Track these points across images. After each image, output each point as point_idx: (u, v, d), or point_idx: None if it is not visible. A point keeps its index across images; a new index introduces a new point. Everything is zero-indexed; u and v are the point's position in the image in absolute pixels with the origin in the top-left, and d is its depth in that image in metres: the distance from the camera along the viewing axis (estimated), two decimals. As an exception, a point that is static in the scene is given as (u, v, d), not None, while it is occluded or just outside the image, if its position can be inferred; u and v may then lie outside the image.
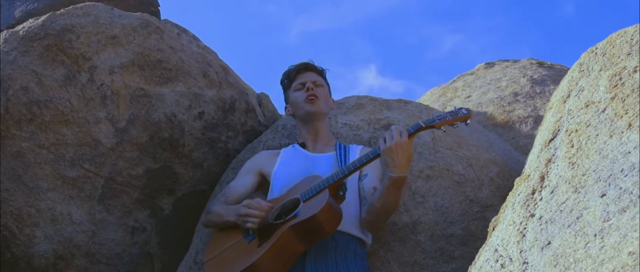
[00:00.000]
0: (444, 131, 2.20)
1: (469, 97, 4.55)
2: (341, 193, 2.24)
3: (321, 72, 2.78)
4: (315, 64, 2.78)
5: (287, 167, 2.56)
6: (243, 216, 2.28)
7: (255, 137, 3.31)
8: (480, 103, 4.33)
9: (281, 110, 3.78)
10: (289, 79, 2.76)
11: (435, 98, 4.81)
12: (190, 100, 3.11)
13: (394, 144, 2.13)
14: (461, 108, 2.23)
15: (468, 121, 2.21)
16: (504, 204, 2.02)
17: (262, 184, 2.65)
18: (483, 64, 5.15)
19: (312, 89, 2.65)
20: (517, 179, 2.04)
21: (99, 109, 2.93)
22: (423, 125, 2.19)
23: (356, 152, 2.56)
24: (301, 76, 2.72)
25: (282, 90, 2.84)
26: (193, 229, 3.08)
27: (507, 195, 2.09)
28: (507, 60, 5.11)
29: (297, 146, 2.68)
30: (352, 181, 2.44)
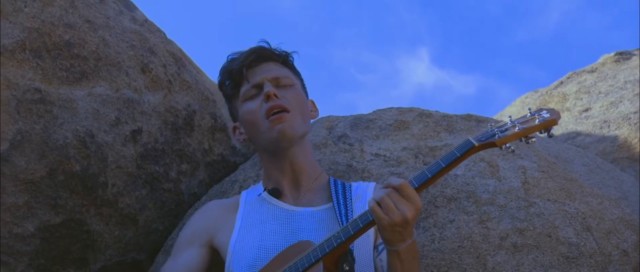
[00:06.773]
0: (513, 151, 2.08)
1: (586, 110, 4.58)
2: (347, 268, 2.23)
3: (285, 60, 2.76)
4: (273, 47, 2.74)
5: (255, 233, 2.54)
6: None
7: (226, 173, 3.37)
8: (605, 121, 4.35)
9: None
10: (232, 80, 2.73)
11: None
12: (119, 110, 3.15)
13: (398, 218, 2.10)
14: (542, 109, 2.09)
15: (552, 130, 2.07)
16: (649, 300, 2.02)
17: (217, 260, 2.63)
18: (612, 54, 5.13)
19: (275, 96, 2.61)
20: (671, 258, 2.02)
21: (-37, 122, 2.84)
22: (440, 168, 2.12)
23: (364, 192, 2.61)
24: (252, 74, 2.68)
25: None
26: (117, 328, 3.07)
27: (653, 284, 2.09)
28: (655, 49, 5.04)
29: (264, 193, 2.68)
30: (364, 251, 2.43)
